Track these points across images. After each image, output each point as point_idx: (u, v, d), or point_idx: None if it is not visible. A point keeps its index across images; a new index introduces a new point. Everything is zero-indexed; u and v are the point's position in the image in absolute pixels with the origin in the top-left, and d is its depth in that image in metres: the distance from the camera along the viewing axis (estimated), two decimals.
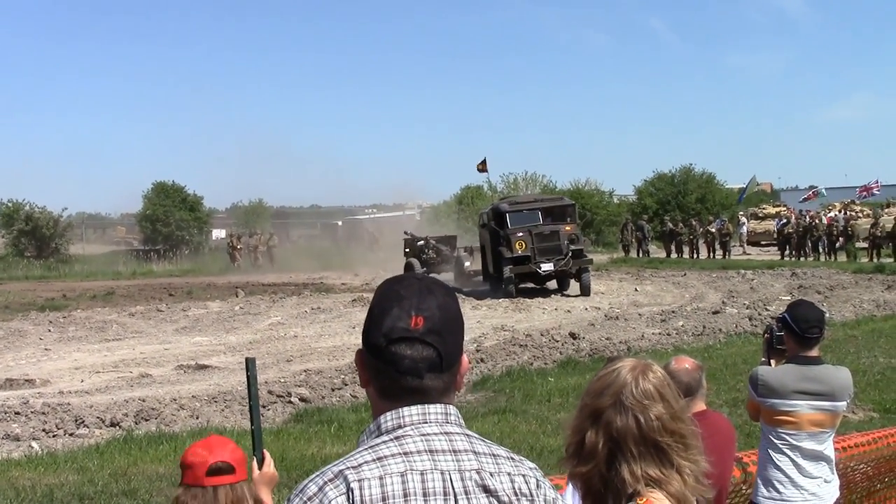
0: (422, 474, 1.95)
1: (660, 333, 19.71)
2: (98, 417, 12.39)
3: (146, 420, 12.36)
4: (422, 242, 37.06)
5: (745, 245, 48.79)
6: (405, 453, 1.97)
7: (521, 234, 29.84)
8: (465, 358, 2.13)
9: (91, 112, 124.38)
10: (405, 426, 2.02)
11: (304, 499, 1.92)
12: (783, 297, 24.92)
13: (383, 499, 1.91)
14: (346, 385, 14.57)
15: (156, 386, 15.23)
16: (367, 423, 2.13)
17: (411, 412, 2.02)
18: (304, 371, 16.05)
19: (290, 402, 13.48)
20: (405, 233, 39.55)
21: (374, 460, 1.95)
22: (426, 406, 2.04)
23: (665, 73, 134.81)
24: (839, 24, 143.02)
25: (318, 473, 1.97)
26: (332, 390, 14.28)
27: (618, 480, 2.54)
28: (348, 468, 1.93)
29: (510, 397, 13.23)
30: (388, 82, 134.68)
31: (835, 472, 5.50)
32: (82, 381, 15.95)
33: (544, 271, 29.59)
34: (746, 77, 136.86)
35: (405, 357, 2.01)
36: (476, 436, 2.08)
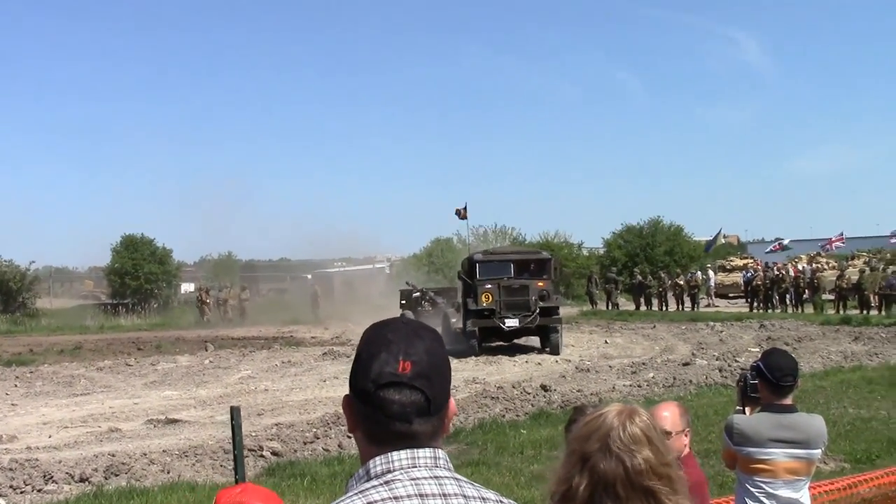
0: None
1: (631, 385, 19.75)
2: (67, 473, 12.23)
3: (116, 475, 12.21)
4: (418, 294, 36.65)
5: (713, 297, 49.11)
6: (395, 498, 1.97)
7: (489, 286, 28.73)
8: (452, 402, 2.15)
9: (57, 165, 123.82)
10: (394, 471, 2.02)
11: None
12: (752, 349, 25.07)
13: None
14: (318, 438, 14.47)
15: (125, 441, 15.07)
16: (349, 472, 2.15)
17: (400, 456, 2.03)
18: (276, 425, 15.94)
19: (262, 455, 13.37)
20: (406, 283, 39.21)
21: None
22: (415, 450, 2.04)
23: (633, 125, 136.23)
24: (804, 78, 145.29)
25: None
26: (304, 444, 14.18)
27: None
28: None
29: (483, 449, 13.19)
30: (356, 135, 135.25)
31: None
32: (50, 437, 15.77)
33: (508, 327, 28.29)
34: (713, 130, 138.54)
35: (393, 402, 2.02)
36: (465, 480, 2.09)
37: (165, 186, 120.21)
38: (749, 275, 45.16)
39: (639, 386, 19.56)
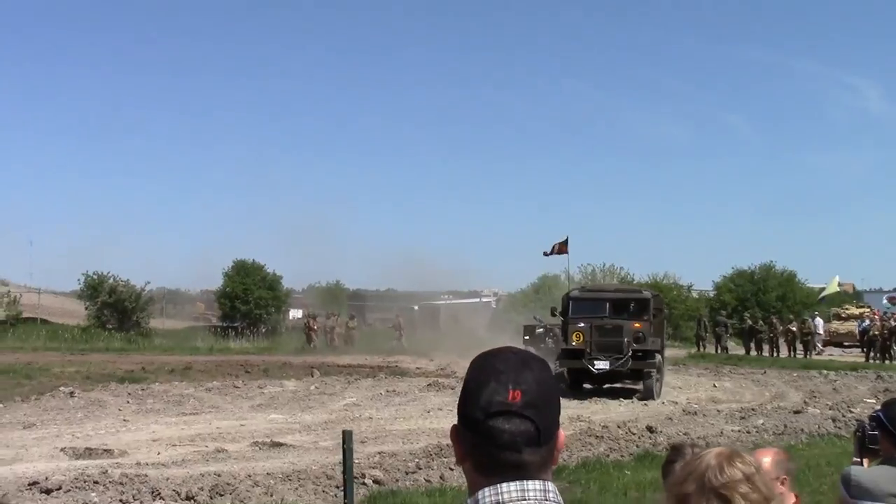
0: None
1: (739, 431, 19.35)
2: (174, 490, 12.45)
3: (221, 495, 12.38)
4: (542, 329, 35.93)
5: (819, 345, 47.88)
6: None
7: (581, 324, 27.50)
8: (561, 433, 2.12)
9: (172, 186, 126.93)
10: (504, 503, 1.99)
11: None
12: (867, 400, 24.37)
13: None
14: (420, 469, 14.48)
15: (231, 461, 15.28)
16: (462, 501, 2.11)
17: (510, 489, 2.00)
18: (379, 453, 15.99)
19: (364, 483, 13.41)
20: (534, 317, 38.59)
21: None
22: (525, 482, 2.01)
23: (745, 170, 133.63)
24: None
25: None
26: (407, 473, 14.19)
27: None
28: None
29: (586, 488, 13.02)
30: (470, 168, 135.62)
31: None
32: (159, 454, 16.08)
33: (598, 369, 26.82)
34: (829, 175, 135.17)
35: (504, 431, 2.00)
36: None
37: (278, 214, 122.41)
38: (866, 324, 43.98)
39: (748, 432, 19.15)
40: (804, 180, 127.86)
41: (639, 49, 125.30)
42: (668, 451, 4.69)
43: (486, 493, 2.01)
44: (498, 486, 2.00)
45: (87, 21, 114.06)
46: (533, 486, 2.02)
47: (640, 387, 27.52)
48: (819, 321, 48.12)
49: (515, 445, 2.00)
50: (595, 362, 26.82)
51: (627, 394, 27.37)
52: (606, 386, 28.03)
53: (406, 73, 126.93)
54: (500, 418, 2.00)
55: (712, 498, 2.49)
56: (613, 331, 27.17)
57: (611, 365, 26.71)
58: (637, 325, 27.37)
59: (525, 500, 2.00)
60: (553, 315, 29.56)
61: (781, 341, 44.68)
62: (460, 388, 2.12)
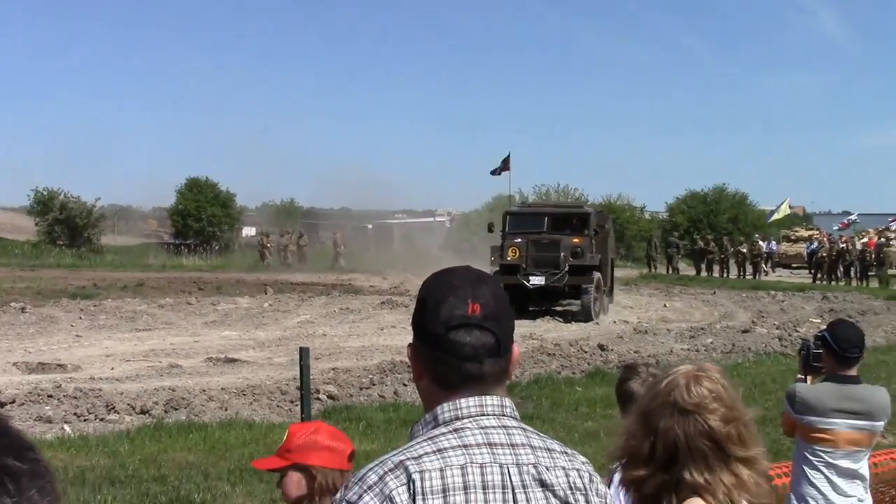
0: (481, 467, 1.95)
1: (688, 349, 19.67)
2: (129, 404, 12.49)
3: (175, 409, 12.44)
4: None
5: (771, 267, 48.53)
6: (465, 446, 1.97)
7: (518, 239, 26.66)
8: (516, 347, 2.15)
9: (125, 104, 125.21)
10: (463, 418, 2.01)
11: (364, 487, 1.90)
12: (814, 320, 24.81)
13: (444, 490, 1.90)
14: (374, 385, 14.61)
15: (185, 376, 15.33)
16: (404, 419, 2.15)
17: (468, 403, 2.02)
18: (333, 369, 16.10)
19: (319, 398, 13.50)
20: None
21: (434, 452, 1.95)
22: (483, 398, 2.04)
23: (701, 92, 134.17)
24: (881, 50, 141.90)
25: (377, 462, 1.95)
26: (360, 389, 14.33)
27: (669, 486, 2.54)
28: (409, 459, 1.92)
29: (538, 404, 13.22)
30: (421, 88, 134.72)
31: (868, 491, 5.50)
32: (112, 369, 16.08)
33: (533, 285, 26.08)
34: (784, 99, 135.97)
35: (465, 344, 2.01)
36: (531, 430, 2.09)
37: (231, 132, 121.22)
38: (814, 246, 44.60)
39: (696, 351, 19.46)
40: (759, 103, 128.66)
41: None
42: (622, 370, 4.78)
43: (446, 408, 2.03)
44: (456, 401, 2.03)
45: None
46: (491, 400, 2.04)
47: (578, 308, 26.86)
48: (773, 243, 48.55)
49: (477, 356, 2.02)
50: (530, 277, 26.17)
51: (564, 316, 26.83)
52: (543, 308, 27.49)
53: None
54: (462, 331, 2.02)
55: (681, 418, 2.53)
56: (550, 245, 26.58)
57: (546, 280, 26.11)
58: (576, 240, 26.72)
59: (484, 414, 2.02)
60: (490, 231, 28.69)
61: (732, 262, 45.24)
62: (414, 307, 2.14)
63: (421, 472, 1.90)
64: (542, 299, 27.52)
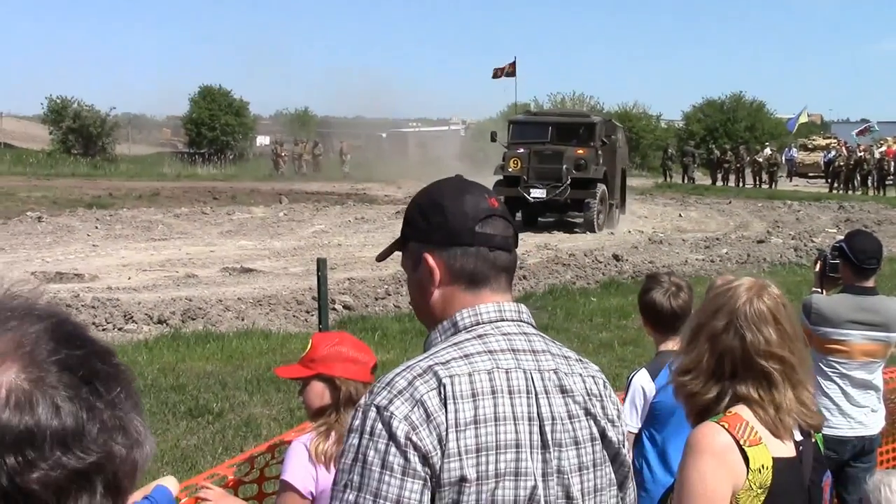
0: (507, 372, 1.95)
1: (703, 259, 19.66)
2: (146, 314, 12.60)
3: (193, 319, 12.55)
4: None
5: (791, 176, 48.27)
6: (490, 351, 1.97)
7: (520, 150, 25.73)
8: None
9: (138, 12, 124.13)
10: (483, 323, 2.02)
11: (395, 392, 1.88)
12: (829, 230, 24.74)
13: (473, 395, 1.90)
14: (389, 295, 14.68)
15: (202, 286, 15.43)
16: (420, 329, 2.14)
17: (488, 309, 2.03)
18: (348, 279, 16.17)
19: (334, 308, 13.57)
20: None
21: (461, 357, 1.94)
22: (501, 304, 2.05)
23: None
24: None
25: (405, 367, 1.94)
26: (376, 299, 14.40)
27: (722, 396, 2.57)
28: (437, 364, 1.92)
29: (552, 315, 13.28)
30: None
31: (882, 401, 5.52)
32: (129, 279, 16.19)
33: (534, 198, 25.18)
34: (801, 6, 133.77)
35: (496, 234, 2.05)
36: (548, 337, 2.10)
37: (245, 40, 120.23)
38: (831, 155, 44.27)
39: (711, 261, 19.44)
40: (776, 9, 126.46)
41: None
42: (645, 280, 4.76)
43: (465, 314, 2.03)
44: (476, 307, 2.03)
45: None
46: (509, 306, 2.06)
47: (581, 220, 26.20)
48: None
49: (507, 245, 2.08)
50: (531, 190, 25.26)
51: (567, 227, 26.42)
52: (545, 219, 27.07)
53: None
54: (490, 221, 2.05)
55: (740, 332, 2.54)
56: (552, 157, 25.62)
57: (548, 193, 25.21)
58: (580, 151, 25.72)
59: (503, 320, 2.03)
60: (493, 140, 28.00)
61: (748, 171, 44.98)
62: (415, 217, 2.11)
63: (451, 376, 1.90)
64: (545, 212, 26.97)
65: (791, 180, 47.90)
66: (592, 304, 14.10)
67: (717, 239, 23.36)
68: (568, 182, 25.18)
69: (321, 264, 4.50)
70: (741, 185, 44.21)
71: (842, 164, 41.77)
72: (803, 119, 54.79)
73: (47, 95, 52.31)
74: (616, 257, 19.17)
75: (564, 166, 25.21)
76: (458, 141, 60.94)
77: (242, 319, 12.74)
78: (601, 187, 25.87)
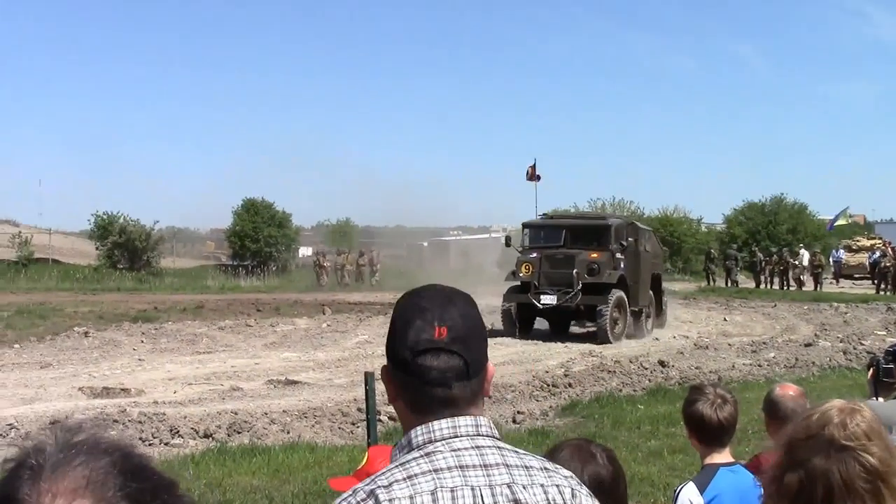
0: (452, 491, 1.93)
1: (751, 364, 19.44)
2: (192, 428, 12.60)
3: (238, 433, 12.53)
4: None
5: (837, 277, 47.92)
6: (435, 470, 1.96)
7: (533, 255, 25.11)
8: (490, 365, 2.14)
9: (182, 129, 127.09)
10: (436, 441, 2.01)
11: None
12: (878, 332, 24.47)
13: None
14: None
15: (247, 399, 15.43)
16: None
17: (441, 426, 2.02)
18: None
19: (380, 420, 13.51)
20: None
21: (404, 479, 1.94)
22: (456, 419, 2.03)
23: (754, 101, 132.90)
24: None
25: (350, 493, 1.96)
26: None
27: None
28: (379, 487, 1.92)
29: (599, 423, 13.14)
30: (478, 105, 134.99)
31: None
32: (175, 392, 16.23)
33: (543, 304, 24.36)
34: (840, 105, 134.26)
35: (432, 368, 2.02)
36: (509, 447, 2.07)
37: (286, 153, 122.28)
38: (876, 256, 43.92)
39: (759, 365, 19.24)
40: (815, 111, 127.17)
41: None
42: (689, 391, 4.71)
43: (419, 432, 2.03)
44: (430, 424, 2.02)
45: None
46: (464, 421, 2.03)
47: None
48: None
49: (445, 381, 2.02)
50: (542, 296, 24.38)
51: (580, 339, 25.19)
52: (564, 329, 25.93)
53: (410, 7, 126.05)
54: (428, 355, 2.02)
55: (837, 455, 2.46)
56: (564, 261, 24.70)
57: (558, 300, 24.27)
58: (594, 255, 24.71)
59: (457, 436, 2.02)
60: (507, 245, 27.28)
61: (791, 274, 44.75)
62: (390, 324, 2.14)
63: (391, 500, 1.89)
64: (559, 320, 25.90)
65: (837, 282, 47.51)
66: (640, 412, 13.93)
67: (764, 343, 23.14)
68: (579, 287, 24.30)
69: (368, 378, 4.51)
70: (786, 287, 43.93)
71: (888, 264, 41.40)
72: (843, 220, 54.65)
73: (94, 212, 53.26)
74: (662, 363, 19.02)
75: (575, 270, 24.34)
76: (498, 248, 61.07)
77: (288, 432, 12.70)
78: (616, 293, 24.66)
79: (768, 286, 44.77)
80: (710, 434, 4.38)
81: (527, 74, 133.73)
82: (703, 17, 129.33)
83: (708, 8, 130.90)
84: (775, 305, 34.79)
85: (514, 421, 13.72)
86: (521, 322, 24.83)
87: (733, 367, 19.01)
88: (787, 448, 2.55)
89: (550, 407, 14.93)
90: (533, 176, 35.90)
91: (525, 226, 27.18)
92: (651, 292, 27.56)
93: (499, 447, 2.05)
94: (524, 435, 12.22)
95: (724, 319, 30.56)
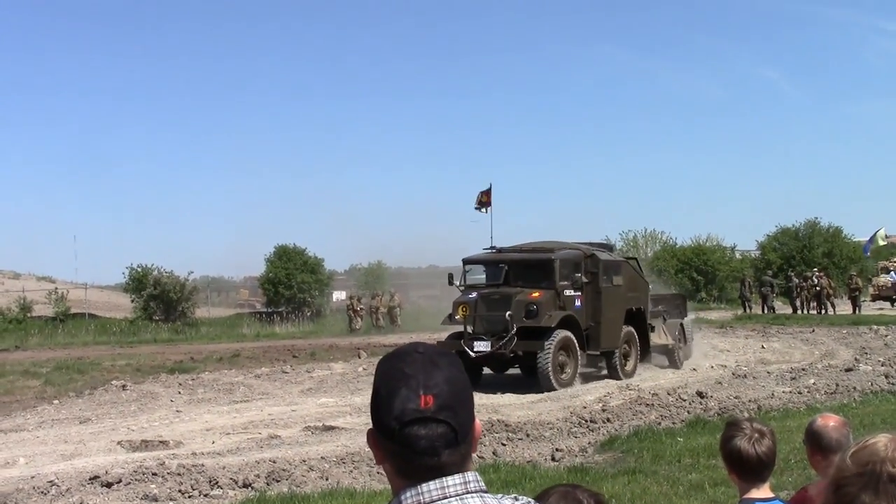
0: None
1: (790, 392, 19.24)
2: (231, 478, 12.59)
3: (277, 481, 12.51)
4: None
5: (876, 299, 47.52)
6: None
7: (472, 295, 22.52)
8: (477, 423, 2.12)
9: (209, 178, 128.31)
10: (425, 503, 2.01)
11: None
12: None
13: None
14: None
15: (285, 447, 15.42)
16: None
17: (430, 488, 2.01)
18: None
19: None
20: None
21: None
22: (444, 479, 2.02)
23: (784, 124, 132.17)
24: None
25: None
26: None
27: None
28: None
29: (639, 457, 13.03)
30: (509, 137, 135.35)
31: None
32: (213, 443, 16.25)
33: (476, 352, 21.32)
34: (869, 126, 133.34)
35: (421, 438, 2.00)
36: (492, 497, 2.06)
37: (315, 198, 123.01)
38: None
39: (799, 393, 19.03)
40: (845, 132, 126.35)
41: (669, 7, 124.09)
42: (725, 427, 4.65)
43: (408, 495, 2.01)
44: (419, 486, 2.01)
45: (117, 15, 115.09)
46: (452, 480, 2.02)
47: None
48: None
49: (434, 450, 2.01)
50: (475, 343, 21.48)
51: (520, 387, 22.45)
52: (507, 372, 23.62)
53: (437, 41, 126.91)
54: (416, 425, 2.00)
55: (889, 487, 2.40)
56: (500, 302, 21.85)
57: (492, 346, 21.37)
58: (535, 294, 21.83)
59: (446, 497, 2.01)
60: (450, 283, 24.52)
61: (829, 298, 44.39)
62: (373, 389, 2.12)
63: None
64: (501, 368, 23.31)
65: (875, 303, 47.02)
66: (679, 445, 13.79)
67: (803, 369, 22.90)
68: (513, 332, 21.25)
69: None
70: (823, 312, 43.55)
71: None
72: (880, 241, 54.12)
73: (128, 265, 53.71)
74: (700, 394, 18.85)
75: (509, 313, 21.35)
76: None
77: (327, 479, 12.67)
78: (560, 336, 21.44)
79: (805, 311, 44.37)
80: (749, 469, 4.33)
81: (553, 108, 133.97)
82: (730, 42, 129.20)
83: (733, 33, 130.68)
84: (813, 331, 34.46)
85: (552, 458, 13.64)
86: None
87: (773, 395, 18.81)
88: (835, 486, 2.49)
89: (589, 443, 14.83)
90: (484, 203, 31.39)
91: (465, 262, 24.28)
92: (632, 329, 24.12)
93: (485, 500, 2.04)
94: (563, 473, 12.14)
95: (762, 347, 30.28)
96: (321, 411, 19.66)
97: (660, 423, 16.08)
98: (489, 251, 24.57)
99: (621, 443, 14.30)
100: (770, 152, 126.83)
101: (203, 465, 13.40)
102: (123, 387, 24.58)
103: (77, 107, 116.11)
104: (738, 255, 63.61)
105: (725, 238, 63.98)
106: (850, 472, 2.41)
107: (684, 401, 18.35)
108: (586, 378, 22.93)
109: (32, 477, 12.94)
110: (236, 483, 12.44)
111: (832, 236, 61.35)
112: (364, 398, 21.42)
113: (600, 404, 18.64)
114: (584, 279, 22.66)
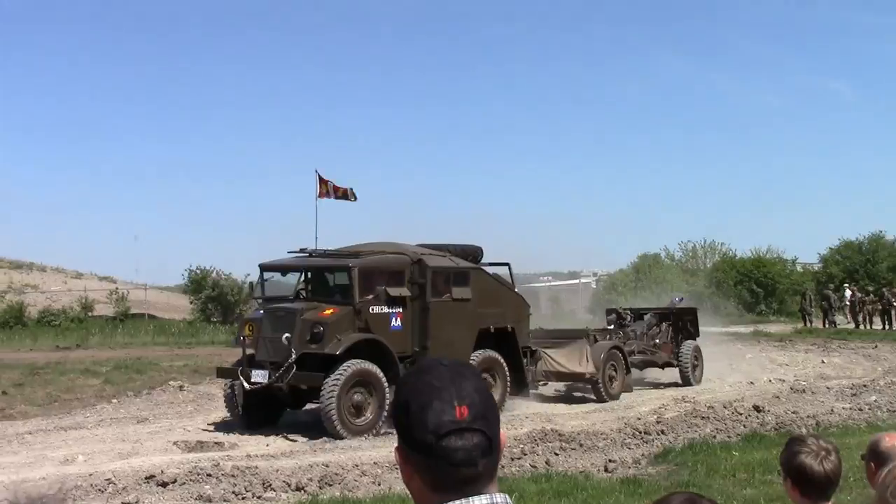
0: None
1: (851, 408, 18.92)
2: (284, 481, 12.67)
3: (330, 485, 12.57)
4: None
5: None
6: None
7: (260, 312, 18.38)
8: (503, 433, 2.12)
9: (272, 181, 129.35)
10: None
11: None
12: None
13: None
14: (525, 455, 14.48)
15: (338, 451, 15.48)
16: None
17: None
18: None
19: None
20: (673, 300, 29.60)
21: None
22: (470, 499, 2.02)
23: (849, 137, 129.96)
24: None
25: None
26: (512, 460, 14.19)
27: None
28: None
29: (693, 471, 12.89)
30: (567, 146, 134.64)
31: None
32: (268, 445, 16.37)
33: (252, 383, 16.88)
34: None
35: (458, 449, 1.99)
36: None
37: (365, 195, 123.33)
38: None
39: (860, 409, 18.71)
40: None
41: (730, 17, 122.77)
42: (788, 443, 4.53)
43: None
44: None
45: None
46: (478, 500, 2.02)
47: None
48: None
49: (472, 460, 2.01)
50: (252, 373, 17.08)
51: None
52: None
53: (492, 48, 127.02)
54: (453, 437, 2.00)
55: None
56: (283, 321, 17.35)
57: (269, 377, 16.84)
58: (328, 311, 17.37)
59: None
60: (250, 295, 20.88)
61: (894, 313, 43.60)
62: (393, 407, 2.13)
63: None
64: (279, 405, 18.24)
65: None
66: (734, 459, 13.62)
67: (865, 386, 22.52)
68: (292, 360, 16.68)
69: None
70: (887, 327, 42.83)
71: None
72: None
73: (187, 266, 54.23)
74: (757, 408, 18.62)
75: (286, 335, 16.87)
76: (589, 293, 60.81)
77: (379, 484, 12.70)
78: (354, 367, 16.71)
79: (867, 326, 43.66)
80: (814, 487, 4.22)
81: (608, 119, 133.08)
82: (793, 53, 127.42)
83: (797, 44, 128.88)
84: (876, 346, 33.88)
85: (605, 469, 13.54)
86: (249, 407, 17.69)
87: (832, 411, 18.53)
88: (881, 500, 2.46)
89: (643, 455, 14.71)
90: (329, 193, 22.27)
91: (262, 268, 19.54)
92: (494, 355, 19.47)
93: None
94: (616, 484, 12.06)
95: (822, 361, 29.83)
96: None
97: (715, 437, 15.90)
98: (295, 255, 19.70)
99: (675, 455, 14.17)
100: (833, 164, 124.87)
101: (257, 468, 13.50)
102: (181, 387, 24.82)
103: (142, 112, 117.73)
104: (799, 268, 62.73)
105: (786, 250, 62.96)
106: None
107: (740, 414, 18.14)
108: None
109: (90, 475, 13.12)
110: (289, 486, 12.52)
111: None
112: None
113: (655, 416, 18.49)
114: (407, 292, 18.25)
